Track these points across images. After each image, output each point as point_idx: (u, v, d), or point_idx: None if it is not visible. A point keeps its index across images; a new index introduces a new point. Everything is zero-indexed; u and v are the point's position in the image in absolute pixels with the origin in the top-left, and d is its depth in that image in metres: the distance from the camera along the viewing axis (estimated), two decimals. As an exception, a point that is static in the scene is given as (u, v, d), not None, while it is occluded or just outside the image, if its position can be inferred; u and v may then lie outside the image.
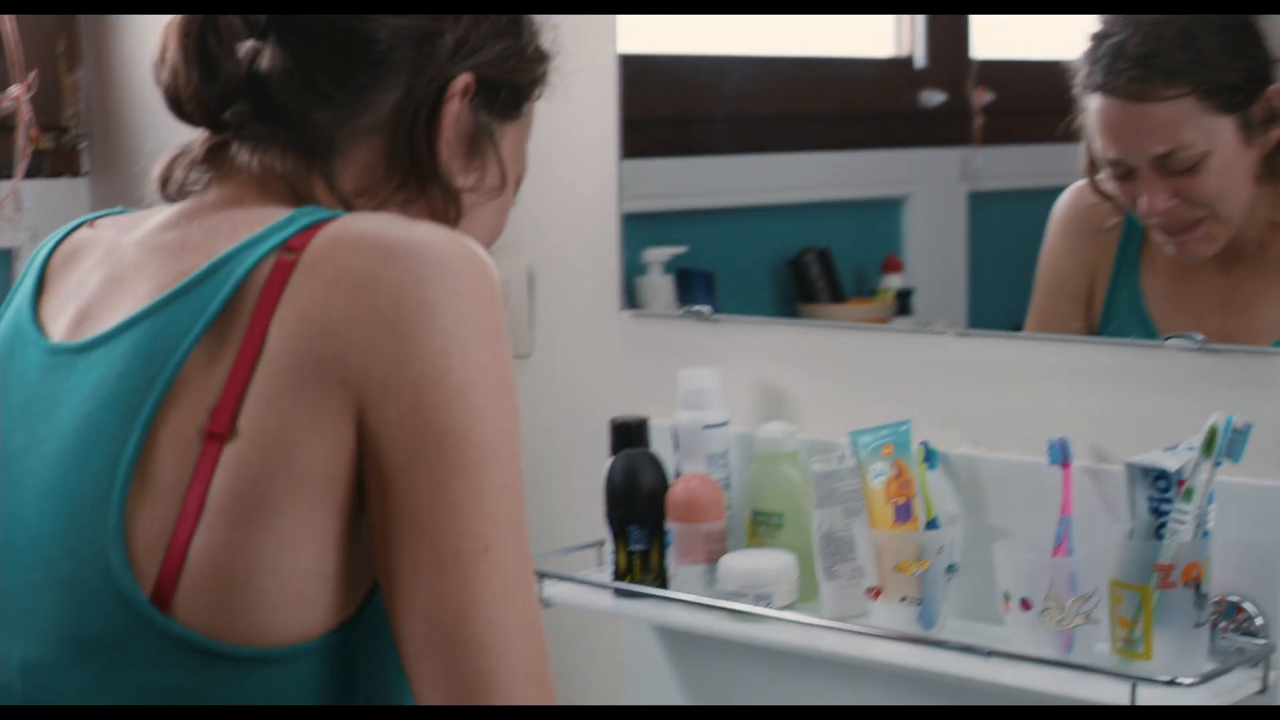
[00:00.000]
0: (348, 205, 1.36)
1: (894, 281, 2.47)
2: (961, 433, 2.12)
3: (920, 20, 2.49)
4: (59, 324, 1.36)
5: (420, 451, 1.22)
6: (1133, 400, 2.00)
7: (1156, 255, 2.11)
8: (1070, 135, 2.34)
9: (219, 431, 1.23)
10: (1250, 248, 2.03)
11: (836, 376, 2.25)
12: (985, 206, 2.44)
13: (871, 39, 2.55)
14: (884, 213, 2.50)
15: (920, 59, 2.49)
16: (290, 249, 1.26)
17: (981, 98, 2.41)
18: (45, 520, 1.28)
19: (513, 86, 1.44)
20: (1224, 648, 1.88)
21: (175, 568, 1.23)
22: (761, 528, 2.19)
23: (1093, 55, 2.08)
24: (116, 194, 2.82)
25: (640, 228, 2.48)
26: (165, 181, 1.40)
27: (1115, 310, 2.13)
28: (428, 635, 1.22)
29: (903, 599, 2.01)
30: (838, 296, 2.49)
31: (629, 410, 2.31)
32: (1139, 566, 1.83)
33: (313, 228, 1.27)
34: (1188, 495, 1.81)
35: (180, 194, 1.40)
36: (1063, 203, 2.20)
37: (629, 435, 2.24)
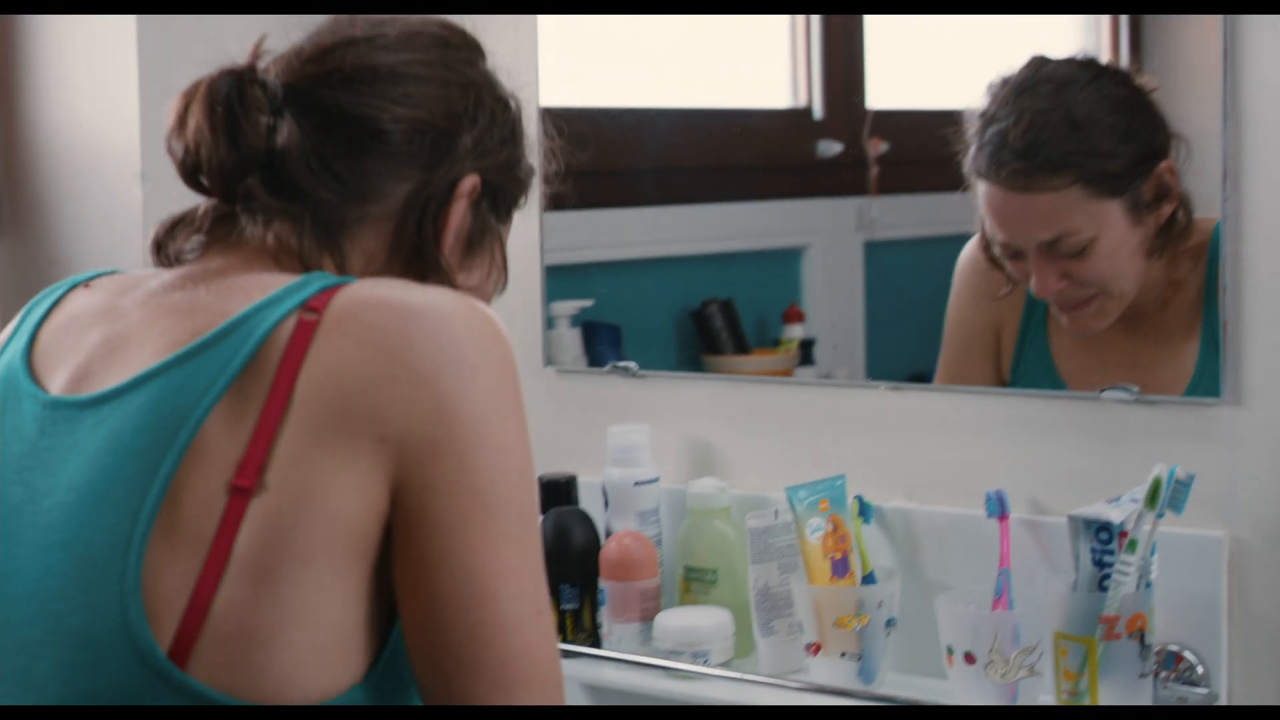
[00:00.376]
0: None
1: (796, 331, 2.48)
2: (895, 486, 2.12)
3: (817, 70, 2.50)
4: (56, 380, 1.34)
5: (470, 517, 1.24)
6: (1068, 452, 2.01)
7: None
8: (963, 184, 2.37)
9: (246, 486, 1.22)
10: (1151, 308, 2.04)
11: (765, 432, 2.25)
12: (881, 255, 2.45)
13: (769, 90, 2.56)
14: (784, 263, 2.50)
15: (818, 110, 2.51)
16: (311, 309, 1.26)
17: (877, 148, 2.42)
18: (51, 574, 1.26)
19: (508, 192, 1.48)
20: (1165, 697, 1.90)
21: (196, 623, 1.21)
22: (695, 584, 2.18)
23: (979, 138, 2.08)
24: (25, 255, 2.76)
25: (547, 281, 2.47)
26: (160, 247, 1.41)
27: (1025, 368, 2.14)
28: (486, 696, 1.24)
29: (843, 654, 2.00)
30: (742, 347, 2.49)
31: (555, 468, 2.29)
32: (1083, 618, 1.84)
33: (330, 290, 1.28)
34: (1131, 547, 1.82)
35: (176, 260, 1.40)
36: (966, 256, 2.21)
37: (557, 493, 2.23)
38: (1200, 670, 1.90)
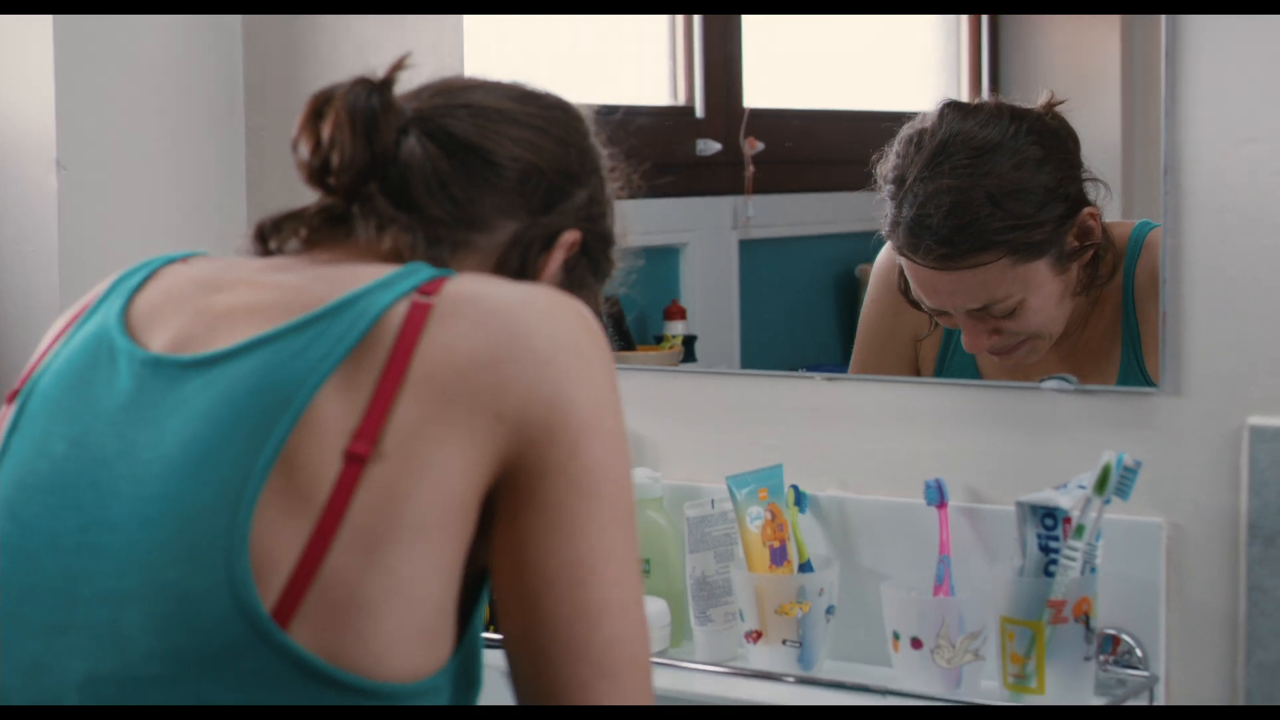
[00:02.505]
0: None
1: (678, 328, 2.49)
2: (830, 476, 2.15)
3: (698, 68, 2.52)
4: (156, 340, 1.33)
5: (581, 500, 1.25)
6: (1006, 442, 2.05)
7: None
8: (834, 185, 2.41)
9: (362, 453, 1.22)
10: (1074, 322, 2.08)
11: (695, 422, 2.26)
12: (755, 253, 2.48)
13: (650, 88, 2.58)
14: (664, 260, 2.52)
15: (700, 108, 2.53)
16: (424, 293, 1.28)
17: (753, 147, 2.45)
18: (150, 525, 1.24)
19: (600, 261, 1.51)
20: (1105, 680, 1.94)
21: (303, 585, 1.20)
22: (627, 574, 2.18)
23: (896, 211, 2.08)
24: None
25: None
26: (265, 236, 1.43)
27: (949, 375, 2.16)
28: (592, 681, 1.24)
29: (784, 641, 2.02)
30: (628, 344, 2.51)
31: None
32: (1030, 603, 1.87)
33: (439, 279, 1.30)
34: (1078, 532, 1.86)
35: (277, 250, 1.42)
36: (884, 264, 2.21)
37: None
38: (1139, 653, 1.95)
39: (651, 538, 2.18)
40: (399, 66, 1.42)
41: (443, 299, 1.28)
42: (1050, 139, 2.05)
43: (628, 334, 2.52)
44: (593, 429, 1.26)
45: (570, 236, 1.46)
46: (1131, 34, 2.17)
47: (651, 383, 2.31)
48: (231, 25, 2.59)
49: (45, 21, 2.39)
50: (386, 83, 1.41)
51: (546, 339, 1.27)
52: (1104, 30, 2.20)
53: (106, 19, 2.44)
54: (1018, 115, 2.07)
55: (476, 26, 2.45)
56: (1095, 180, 2.05)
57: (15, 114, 2.45)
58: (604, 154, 1.52)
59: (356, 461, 1.22)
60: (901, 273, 2.13)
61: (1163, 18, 1.92)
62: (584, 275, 1.49)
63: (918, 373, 2.19)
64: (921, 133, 2.08)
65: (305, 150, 1.40)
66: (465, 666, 1.29)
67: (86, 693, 1.25)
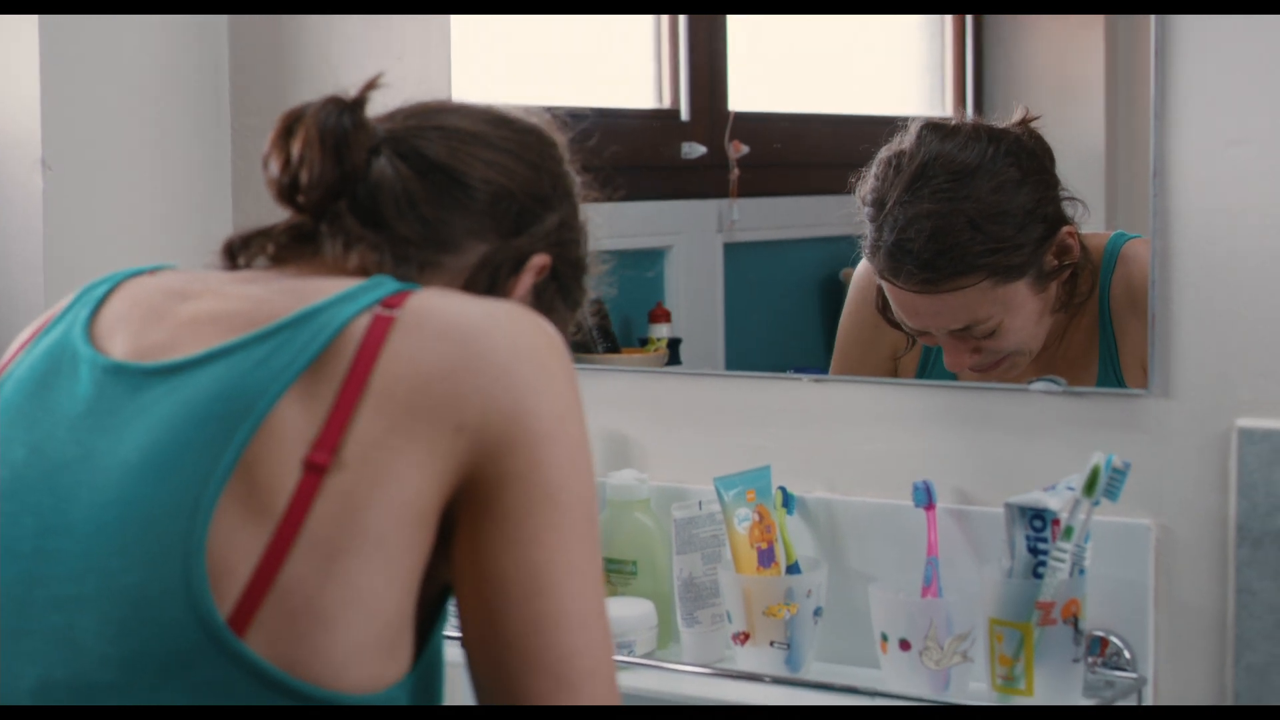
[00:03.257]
0: None
1: (663, 330, 2.50)
2: (817, 478, 2.14)
3: (684, 71, 2.53)
4: (117, 348, 1.34)
5: (540, 511, 1.25)
6: (995, 444, 2.05)
7: None
8: (819, 189, 2.41)
9: (322, 462, 1.22)
10: (1055, 335, 2.09)
11: (680, 424, 2.26)
12: (740, 257, 2.48)
13: (635, 90, 2.58)
14: (649, 263, 2.52)
15: (685, 111, 2.53)
16: (388, 306, 1.28)
17: (738, 150, 2.45)
18: (107, 530, 1.24)
19: (571, 289, 1.52)
20: (1094, 682, 1.94)
21: (260, 593, 1.20)
22: (614, 576, 2.18)
23: (876, 234, 2.09)
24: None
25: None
26: (234, 252, 1.43)
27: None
28: (549, 694, 1.24)
29: (771, 643, 2.02)
30: (613, 347, 2.50)
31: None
32: (1019, 605, 1.87)
33: (403, 292, 1.30)
34: (1067, 534, 1.86)
35: (245, 266, 1.43)
36: (863, 278, 2.21)
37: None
38: (1127, 655, 1.95)
39: (638, 539, 2.17)
40: (372, 85, 1.42)
41: (406, 312, 1.28)
42: (1028, 159, 2.06)
43: (613, 337, 2.52)
44: (554, 439, 1.26)
45: (540, 260, 1.46)
46: (1115, 36, 2.18)
47: (638, 384, 2.31)
48: (218, 25, 2.58)
49: (31, 21, 2.38)
50: (358, 102, 1.41)
51: (507, 350, 1.27)
52: (1088, 33, 2.20)
53: (92, 19, 2.43)
54: (995, 136, 2.07)
55: (463, 27, 2.45)
56: (1073, 199, 2.06)
57: (0, 114, 2.44)
58: (578, 181, 1.52)
59: (316, 471, 1.22)
60: (880, 292, 2.13)
61: (1152, 18, 1.92)
62: (553, 299, 1.49)
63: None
64: (900, 155, 2.09)
65: (275, 167, 1.40)
66: (424, 681, 1.29)
67: (39, 698, 1.24)
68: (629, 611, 2.11)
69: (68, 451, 1.29)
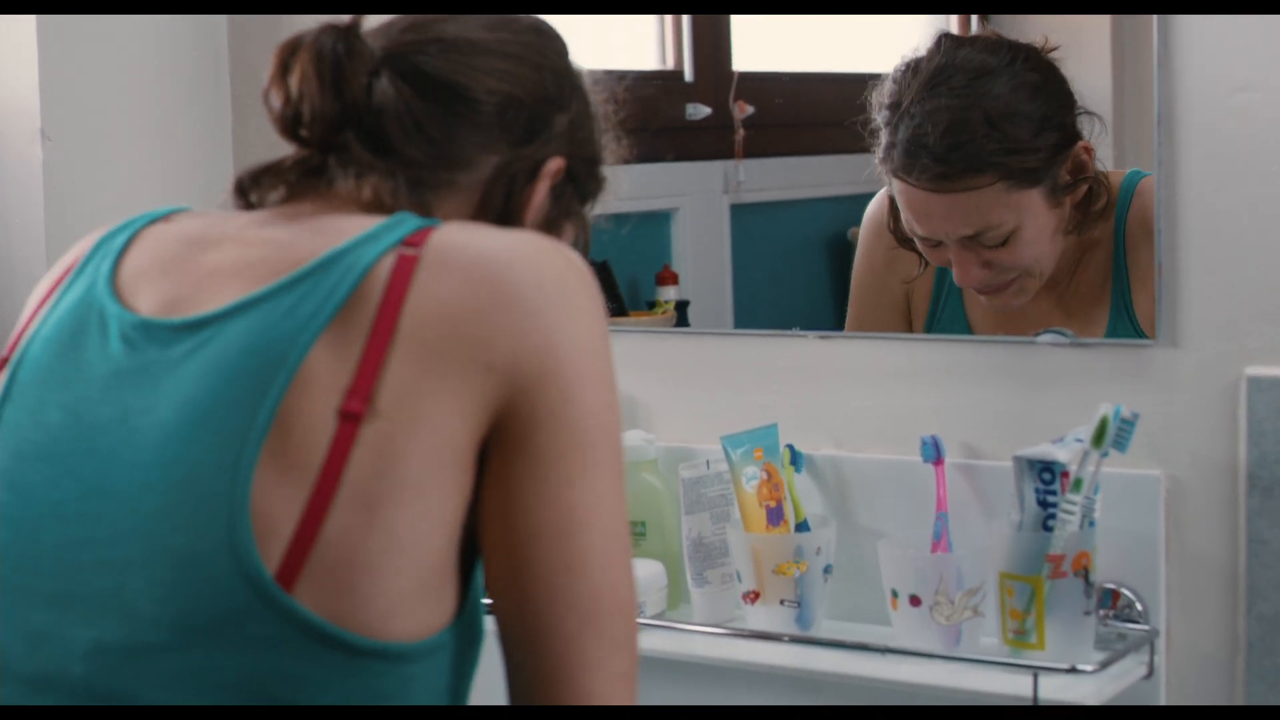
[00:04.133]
0: None
1: (670, 293, 2.48)
2: (825, 435, 2.13)
3: (686, 32, 2.51)
4: (144, 303, 1.32)
5: (572, 448, 1.24)
6: (1002, 397, 2.04)
7: None
8: (825, 148, 2.40)
9: (356, 411, 1.21)
10: (1064, 269, 2.08)
11: (688, 384, 2.25)
12: (746, 218, 2.47)
13: (639, 52, 2.56)
14: (655, 225, 2.51)
15: (689, 72, 2.52)
16: (410, 244, 1.27)
17: (743, 110, 2.44)
18: (151, 491, 1.23)
19: (587, 185, 1.49)
20: (1105, 634, 1.93)
21: (305, 547, 1.19)
22: (623, 537, 2.17)
23: (891, 134, 2.08)
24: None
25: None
26: (243, 191, 1.41)
27: (939, 329, 2.16)
28: (578, 630, 1.24)
29: (782, 601, 2.01)
30: (619, 310, 2.49)
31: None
32: (1029, 558, 1.86)
33: (425, 229, 1.28)
34: (1076, 486, 1.85)
35: (257, 205, 1.40)
36: (874, 212, 2.21)
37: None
38: (1139, 607, 1.94)
39: (647, 500, 2.17)
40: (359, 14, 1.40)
41: (428, 250, 1.26)
42: (1047, 70, 2.05)
43: (620, 299, 2.50)
44: (584, 377, 1.25)
45: (554, 164, 1.43)
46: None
47: (644, 345, 2.30)
48: (215, -8, 2.57)
49: (28, -8, 2.38)
50: (352, 28, 1.38)
51: (534, 287, 1.25)
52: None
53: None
54: (1015, 46, 2.07)
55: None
56: (1090, 114, 2.05)
57: (-1, 86, 2.44)
58: (584, 72, 1.49)
59: (352, 420, 1.21)
60: (893, 209, 2.12)
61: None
62: (571, 202, 1.47)
63: (910, 324, 2.18)
64: (919, 60, 2.08)
65: (277, 102, 1.38)
66: (469, 623, 1.28)
67: (92, 661, 1.24)
68: (639, 573, 2.06)
69: (104, 413, 1.28)
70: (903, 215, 2.10)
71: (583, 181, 1.48)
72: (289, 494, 1.20)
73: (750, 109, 2.44)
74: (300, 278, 1.27)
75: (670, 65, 2.53)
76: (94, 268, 1.36)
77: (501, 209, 1.41)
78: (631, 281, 2.50)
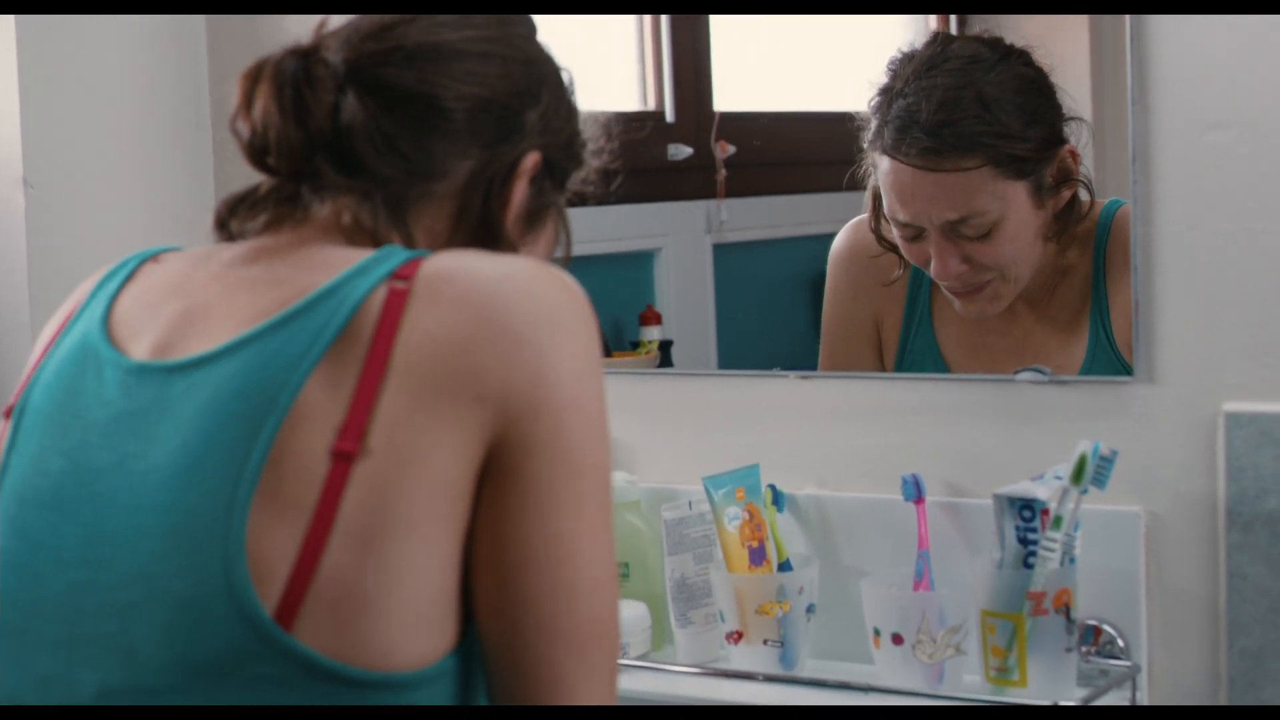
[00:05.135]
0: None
1: (654, 333, 2.49)
2: (806, 475, 2.14)
3: (667, 72, 2.52)
4: (138, 347, 1.33)
5: (563, 475, 1.26)
6: (982, 435, 2.04)
7: (948, 302, 2.15)
8: (807, 187, 2.41)
9: (349, 450, 1.22)
10: (1039, 294, 2.09)
11: (670, 424, 2.25)
12: (729, 257, 2.48)
13: (620, 92, 2.57)
14: (638, 265, 2.52)
15: (670, 113, 2.53)
16: (400, 277, 1.27)
17: (725, 150, 2.45)
18: (150, 537, 1.25)
19: (566, 168, 1.48)
20: (1087, 671, 1.93)
21: (301, 587, 1.21)
22: (607, 578, 2.17)
23: (883, 115, 2.09)
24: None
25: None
26: (223, 224, 1.41)
27: (911, 358, 2.17)
28: (564, 658, 1.25)
29: (765, 641, 2.02)
30: (604, 350, 2.50)
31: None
32: (1011, 595, 1.87)
33: (415, 260, 1.29)
34: (1057, 523, 1.85)
35: (239, 235, 1.40)
36: (841, 245, 2.23)
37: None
38: (1120, 643, 1.94)
39: (630, 541, 2.17)
40: (320, 32, 1.40)
41: (419, 282, 1.27)
42: (1039, 72, 2.08)
43: (604, 340, 2.51)
44: (574, 405, 1.26)
45: (531, 160, 1.42)
46: (1100, 24, 2.17)
47: (625, 385, 2.30)
48: (196, 36, 2.58)
49: (8, 41, 2.38)
50: (313, 50, 1.37)
51: (525, 316, 1.26)
52: (1073, 22, 2.20)
53: (71, 37, 2.42)
54: (1009, 45, 2.10)
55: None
56: (1078, 120, 2.06)
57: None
58: (548, 51, 1.47)
59: (344, 459, 1.22)
60: (875, 211, 2.14)
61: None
62: (551, 194, 1.46)
63: (880, 357, 2.19)
64: (914, 51, 2.11)
65: (244, 132, 1.37)
66: (473, 646, 1.29)
67: (99, 704, 1.25)
68: (622, 614, 2.08)
69: (102, 458, 1.29)
70: (886, 204, 2.12)
71: (562, 167, 1.47)
72: (284, 534, 1.21)
73: (732, 149, 2.46)
74: (289, 317, 1.28)
75: (652, 106, 2.54)
76: (90, 313, 1.38)
77: (481, 212, 1.41)
78: (615, 322, 2.51)
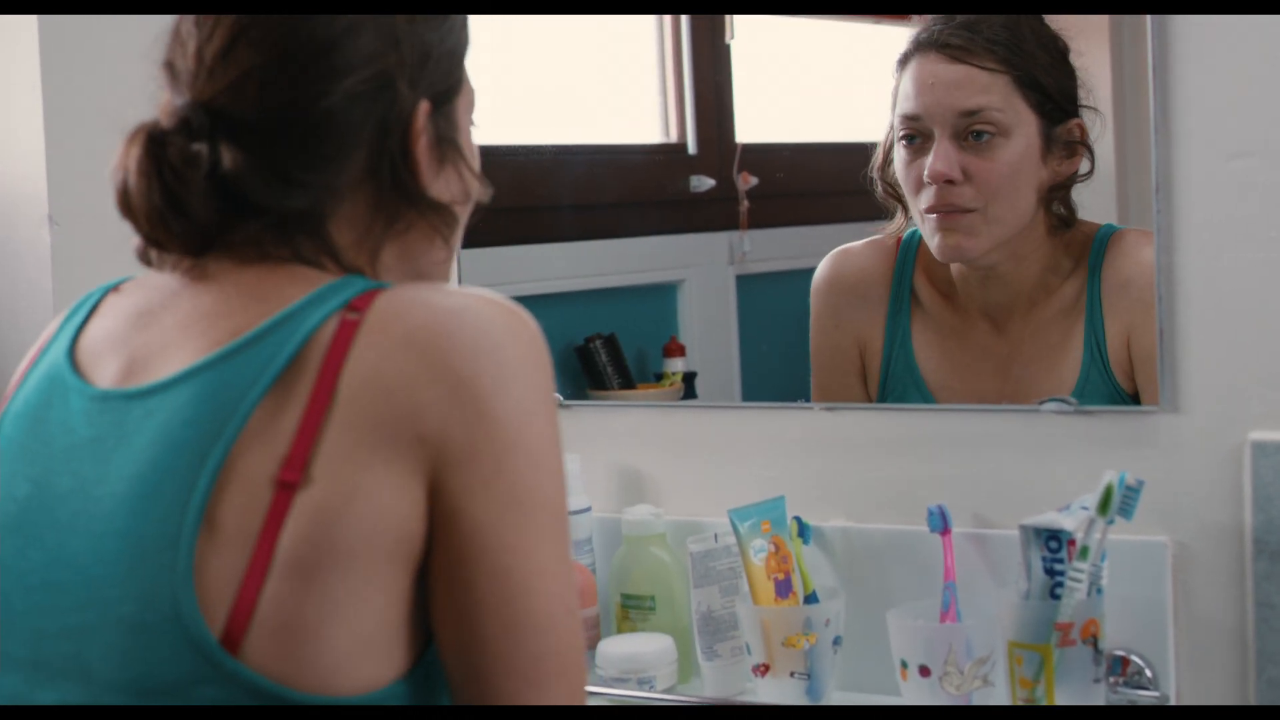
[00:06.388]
0: (348, 257, 1.37)
1: (678, 365, 2.50)
2: (832, 507, 2.14)
3: (689, 104, 2.53)
4: (102, 375, 1.35)
5: (507, 517, 1.26)
6: (1007, 466, 2.04)
7: (927, 323, 2.16)
8: (829, 218, 2.41)
9: (291, 480, 1.23)
10: (1021, 308, 2.10)
11: (694, 457, 2.25)
12: (752, 288, 2.48)
13: (641, 125, 2.58)
14: (661, 297, 2.52)
15: (692, 145, 2.53)
16: (353, 309, 1.28)
17: (747, 182, 2.45)
18: (106, 561, 1.27)
19: (452, 88, 1.43)
20: (1115, 701, 1.93)
21: (245, 613, 1.22)
22: (633, 611, 2.18)
23: (917, 33, 2.14)
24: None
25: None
26: (148, 259, 1.41)
27: (893, 382, 2.18)
28: (518, 694, 1.26)
29: (792, 674, 2.01)
30: (627, 382, 2.50)
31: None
32: (1038, 627, 1.86)
33: (371, 292, 1.29)
34: (1083, 554, 1.85)
35: (161, 267, 1.40)
36: (821, 276, 2.25)
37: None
38: (1149, 674, 1.94)
39: (656, 574, 2.17)
40: (167, 106, 1.37)
41: (371, 315, 1.27)
42: (1067, 52, 2.11)
43: (628, 372, 2.52)
44: (516, 445, 1.26)
45: (420, 117, 1.38)
46: (1121, 49, 2.17)
47: (649, 419, 2.30)
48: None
49: (33, 79, 2.39)
50: (168, 135, 1.35)
51: (469, 355, 1.26)
52: (1093, 45, 2.20)
53: (95, 75, 2.43)
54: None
55: (469, 64, 2.44)
56: (1093, 109, 2.08)
57: (6, 171, 2.45)
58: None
59: (287, 489, 1.23)
60: (885, 159, 2.15)
61: (1148, 28, 1.91)
62: (449, 132, 1.42)
63: (865, 385, 2.20)
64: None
65: (144, 229, 1.37)
66: (432, 672, 1.29)
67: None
68: (648, 647, 2.10)
69: (64, 484, 1.31)
70: (900, 107, 2.13)
71: (450, 100, 1.42)
72: (229, 561, 1.23)
73: (754, 180, 2.46)
74: (242, 345, 1.28)
75: (674, 138, 2.55)
76: (57, 345, 1.40)
77: (394, 187, 1.38)
78: (639, 353, 2.52)
